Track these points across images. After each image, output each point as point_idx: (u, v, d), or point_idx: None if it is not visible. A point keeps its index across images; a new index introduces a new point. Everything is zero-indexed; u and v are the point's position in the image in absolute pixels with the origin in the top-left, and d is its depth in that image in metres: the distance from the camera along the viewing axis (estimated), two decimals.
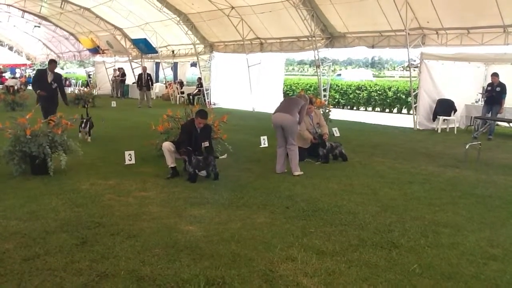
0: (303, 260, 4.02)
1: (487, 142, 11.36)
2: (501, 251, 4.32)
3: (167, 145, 7.12)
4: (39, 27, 30.65)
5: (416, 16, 13.46)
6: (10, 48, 41.70)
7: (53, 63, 11.05)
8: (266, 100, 20.15)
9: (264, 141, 10.10)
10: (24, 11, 28.24)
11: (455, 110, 13.85)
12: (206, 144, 7.08)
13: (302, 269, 3.84)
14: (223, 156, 7.38)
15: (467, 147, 8.86)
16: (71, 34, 30.45)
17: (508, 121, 12.42)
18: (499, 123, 13.46)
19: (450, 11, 12.81)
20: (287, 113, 7.43)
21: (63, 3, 23.75)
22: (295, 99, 7.95)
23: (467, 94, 14.52)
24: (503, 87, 12.43)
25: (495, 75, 12.69)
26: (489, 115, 12.56)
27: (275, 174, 7.48)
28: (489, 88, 12.79)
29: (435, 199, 6.11)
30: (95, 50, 29.24)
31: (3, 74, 35.01)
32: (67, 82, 36.52)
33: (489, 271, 3.87)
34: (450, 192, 6.52)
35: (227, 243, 4.38)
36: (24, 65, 39.18)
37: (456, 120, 13.82)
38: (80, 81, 36.32)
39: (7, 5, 27.21)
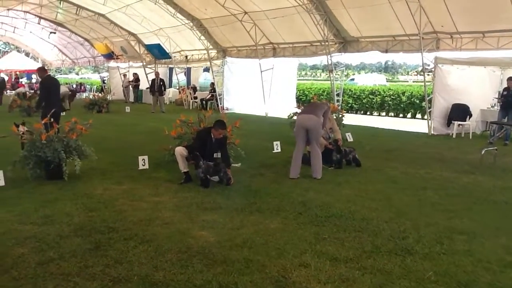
0: (316, 267, 3.99)
1: (503, 147, 11.19)
2: None
3: (180, 150, 7.14)
4: (54, 33, 31.07)
5: (430, 20, 13.36)
6: (27, 54, 42.33)
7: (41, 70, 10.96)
8: (279, 105, 20.16)
9: (277, 146, 10.08)
10: (40, 17, 28.67)
11: (470, 115, 13.67)
12: (218, 155, 7.05)
13: (316, 276, 3.82)
14: (236, 165, 7.37)
15: (482, 152, 8.75)
16: (86, 40, 30.83)
17: None
18: None
19: (464, 15, 12.70)
20: (312, 114, 7.53)
21: (78, 9, 24.07)
22: (319, 103, 8.10)
23: (482, 98, 14.32)
24: None
25: (511, 79, 12.52)
26: (506, 120, 12.39)
27: (288, 179, 7.46)
28: (505, 92, 12.61)
29: (450, 205, 6.03)
30: (110, 56, 29.54)
31: (20, 80, 35.53)
32: (82, 88, 36.98)
33: (506, 279, 3.81)
34: (465, 198, 6.44)
35: (240, 249, 4.37)
36: None
37: (472, 125, 13.65)
38: (95, 87, 36.70)
39: (24, 11, 27.65)
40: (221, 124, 7.06)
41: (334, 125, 9.17)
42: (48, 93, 10.29)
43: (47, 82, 10.47)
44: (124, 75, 28.45)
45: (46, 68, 11.33)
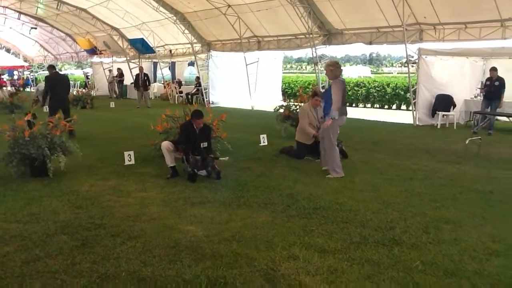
0: (305, 259, 4.00)
1: (487, 137, 11.34)
2: (503, 246, 4.30)
3: (166, 145, 7.10)
4: (35, 28, 30.54)
5: (413, 12, 13.44)
6: (7, 50, 41.59)
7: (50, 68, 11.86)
8: (265, 98, 20.14)
9: (263, 140, 10.07)
10: (20, 12, 28.14)
11: (454, 106, 13.83)
12: (205, 145, 7.05)
13: (304, 268, 3.83)
14: (224, 159, 7.36)
15: (467, 142, 8.85)
16: (68, 35, 30.38)
17: (508, 116, 12.39)
18: (499, 117, 13.45)
19: (447, 5, 12.80)
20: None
21: (59, 4, 23.69)
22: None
23: (466, 89, 14.50)
24: (501, 81, 12.40)
25: (493, 69, 12.67)
26: (489, 109, 12.55)
27: (275, 172, 7.46)
28: (487, 82, 12.77)
29: (436, 195, 6.09)
30: (93, 51, 29.15)
31: (2, 77, 34.94)
32: None
33: (491, 267, 3.86)
34: (451, 188, 6.51)
35: (228, 243, 4.36)
36: (22, 67, 39.07)
37: (456, 116, 13.80)
38: (78, 82, 36.26)
39: (3, 7, 27.12)
40: (197, 114, 7.08)
41: None
42: (51, 89, 11.20)
43: (51, 79, 11.40)
44: (110, 70, 28.14)
45: (53, 65, 12.45)
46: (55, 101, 11.16)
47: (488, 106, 12.62)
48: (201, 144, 7.02)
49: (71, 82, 36.85)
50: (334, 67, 7.18)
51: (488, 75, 13.07)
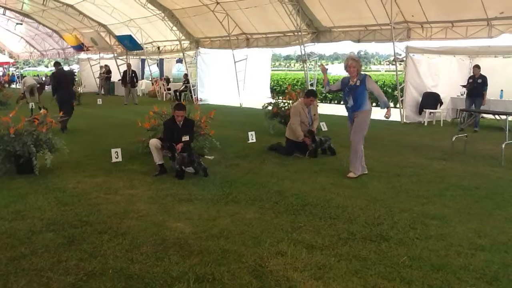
0: (292, 255, 4.01)
1: (473, 134, 11.45)
2: (489, 242, 4.35)
3: (154, 142, 7.07)
4: (21, 24, 30.16)
5: (401, 10, 13.53)
6: None
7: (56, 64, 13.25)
8: (253, 95, 20.13)
9: (252, 137, 10.06)
10: (6, 8, 27.77)
11: (441, 103, 13.95)
12: (186, 138, 7.00)
13: (292, 264, 3.83)
14: (210, 157, 7.34)
15: (453, 139, 8.93)
16: (55, 31, 30.05)
17: (494, 113, 12.50)
18: (484, 115, 13.57)
19: (434, 4, 12.90)
20: None
21: (46, 0, 23.41)
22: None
23: (452, 87, 14.62)
24: (484, 79, 12.52)
25: (476, 67, 12.79)
26: (473, 107, 12.67)
27: (263, 169, 7.46)
28: (471, 80, 12.90)
29: (423, 192, 6.14)
30: (80, 47, 28.86)
31: None
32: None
33: (477, 262, 3.90)
34: (438, 184, 6.56)
35: (216, 239, 4.35)
36: (7, 63, 38.55)
37: (442, 113, 13.92)
38: None
39: None
40: (178, 106, 7.10)
41: (317, 113, 9.18)
42: (57, 83, 12.09)
43: (56, 75, 12.40)
44: (101, 67, 27.85)
45: (59, 62, 13.90)
46: (62, 95, 11.89)
47: (472, 104, 12.75)
48: (183, 137, 6.98)
49: None
50: (360, 63, 7.46)
51: None
